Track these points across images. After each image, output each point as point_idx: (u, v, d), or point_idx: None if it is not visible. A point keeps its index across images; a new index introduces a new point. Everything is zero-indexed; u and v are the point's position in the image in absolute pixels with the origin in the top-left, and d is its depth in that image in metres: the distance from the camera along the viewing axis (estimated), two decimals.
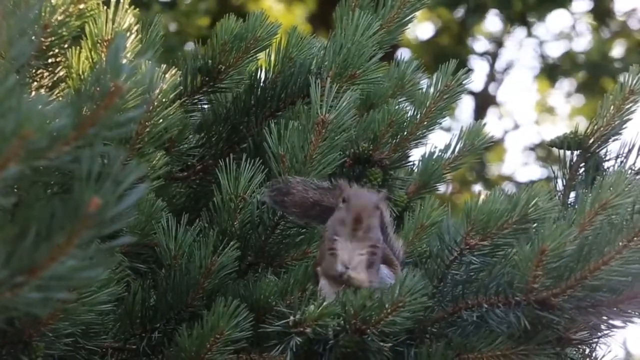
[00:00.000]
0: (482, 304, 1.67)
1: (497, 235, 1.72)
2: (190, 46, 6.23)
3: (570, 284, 1.59)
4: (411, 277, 1.60)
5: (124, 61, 1.24)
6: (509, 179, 9.03)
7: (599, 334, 1.76)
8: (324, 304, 1.66)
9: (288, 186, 1.91)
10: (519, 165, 10.98)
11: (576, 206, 2.03)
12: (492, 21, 8.88)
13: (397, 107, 2.30)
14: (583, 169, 2.12)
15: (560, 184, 2.11)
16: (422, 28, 8.93)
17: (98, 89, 1.24)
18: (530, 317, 1.64)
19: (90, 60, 2.05)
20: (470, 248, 1.72)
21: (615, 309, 1.63)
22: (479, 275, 1.72)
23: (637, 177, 2.03)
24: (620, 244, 1.56)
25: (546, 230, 1.58)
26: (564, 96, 9.20)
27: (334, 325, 1.63)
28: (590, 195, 1.72)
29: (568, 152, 2.13)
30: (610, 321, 1.67)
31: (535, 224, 1.67)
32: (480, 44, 9.13)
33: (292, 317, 1.65)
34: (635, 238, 1.56)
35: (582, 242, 1.59)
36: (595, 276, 1.58)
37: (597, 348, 1.84)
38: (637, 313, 1.65)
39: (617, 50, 8.60)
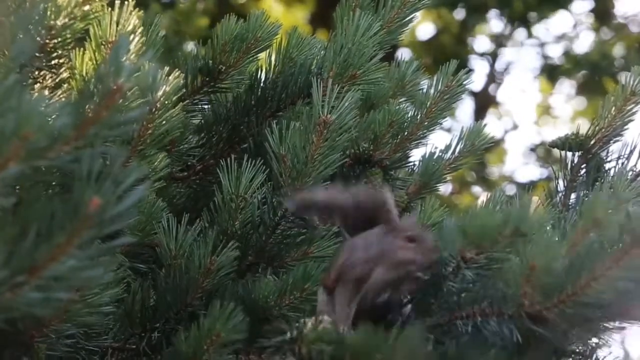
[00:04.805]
0: (476, 315, 1.66)
1: (492, 249, 1.70)
2: (189, 46, 6.23)
3: (562, 299, 1.59)
4: (409, 334, 1.56)
5: (126, 61, 1.23)
6: (510, 179, 9.04)
7: (595, 343, 1.76)
8: (322, 326, 1.61)
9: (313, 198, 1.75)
10: (519, 166, 11.00)
11: (576, 208, 2.04)
12: (493, 21, 8.87)
13: (397, 107, 2.30)
14: (584, 170, 2.12)
15: (561, 185, 2.11)
16: (422, 28, 8.94)
17: (99, 88, 1.24)
18: (522, 330, 1.63)
19: (94, 61, 2.05)
20: (466, 261, 1.70)
21: (606, 324, 1.63)
22: (473, 288, 1.70)
23: (638, 178, 2.03)
24: (609, 262, 1.56)
25: (535, 246, 1.58)
26: (565, 97, 9.21)
27: (330, 352, 1.59)
28: (582, 207, 1.71)
29: (569, 153, 2.13)
30: (602, 336, 1.68)
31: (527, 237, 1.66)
32: (481, 44, 9.14)
33: (288, 334, 1.62)
34: (624, 257, 1.55)
35: (572, 259, 1.59)
36: (586, 293, 1.58)
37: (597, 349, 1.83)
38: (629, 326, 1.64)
39: (618, 50, 8.61)
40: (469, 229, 1.65)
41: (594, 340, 1.73)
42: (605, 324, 1.63)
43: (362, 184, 1.85)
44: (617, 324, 1.63)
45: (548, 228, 1.72)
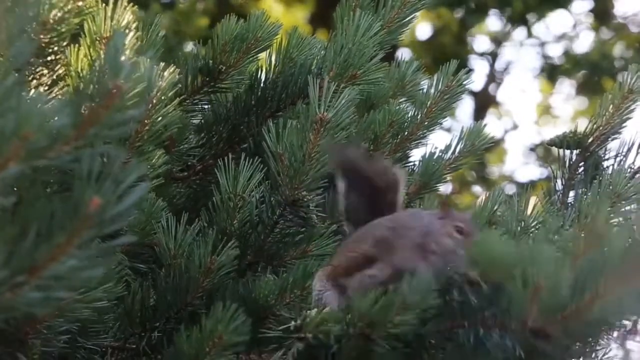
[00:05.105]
0: (477, 324, 1.65)
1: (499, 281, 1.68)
2: (189, 46, 6.24)
3: (565, 316, 1.58)
4: (419, 276, 1.56)
5: (123, 59, 1.24)
6: (510, 179, 9.03)
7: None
8: (326, 309, 1.63)
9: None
10: (519, 166, 10.99)
11: (574, 207, 2.03)
12: (493, 21, 8.87)
13: (397, 107, 2.31)
14: (582, 168, 2.12)
15: (559, 183, 2.12)
16: (422, 28, 8.93)
17: (97, 87, 1.24)
18: (525, 345, 1.62)
19: (89, 57, 2.05)
20: (472, 285, 1.68)
21: (609, 340, 1.63)
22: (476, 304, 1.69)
23: (637, 175, 2.03)
24: (612, 280, 1.54)
25: (540, 265, 1.55)
26: (565, 97, 9.21)
27: (337, 331, 1.60)
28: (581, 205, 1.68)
29: (567, 151, 2.14)
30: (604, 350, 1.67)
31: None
32: (481, 44, 9.14)
33: (293, 322, 1.63)
34: (628, 274, 1.53)
35: (576, 276, 1.58)
36: (589, 310, 1.56)
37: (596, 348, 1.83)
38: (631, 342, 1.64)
39: (617, 50, 8.61)
40: (480, 257, 1.61)
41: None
42: (608, 340, 1.62)
43: (382, 158, 1.80)
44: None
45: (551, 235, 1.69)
